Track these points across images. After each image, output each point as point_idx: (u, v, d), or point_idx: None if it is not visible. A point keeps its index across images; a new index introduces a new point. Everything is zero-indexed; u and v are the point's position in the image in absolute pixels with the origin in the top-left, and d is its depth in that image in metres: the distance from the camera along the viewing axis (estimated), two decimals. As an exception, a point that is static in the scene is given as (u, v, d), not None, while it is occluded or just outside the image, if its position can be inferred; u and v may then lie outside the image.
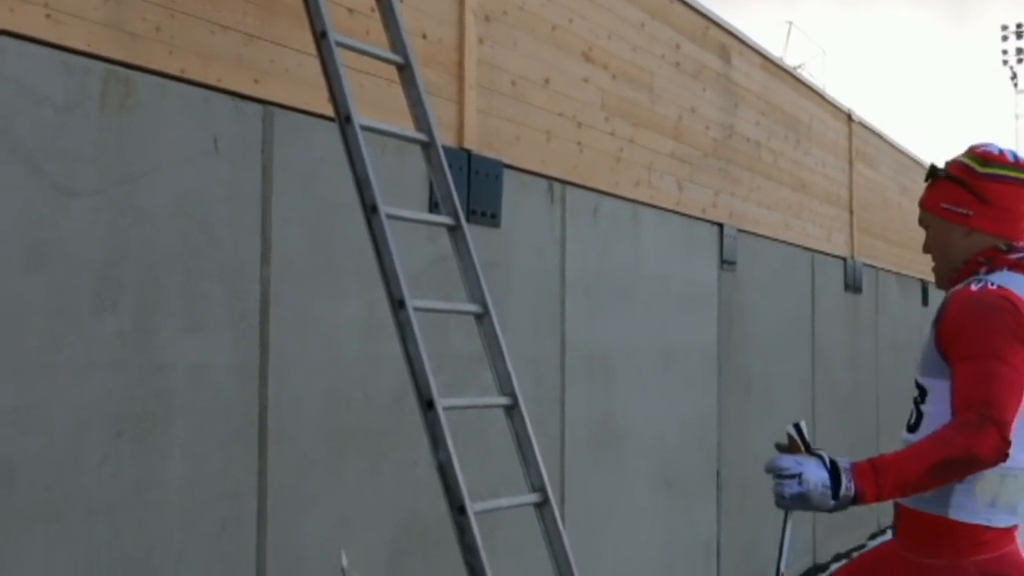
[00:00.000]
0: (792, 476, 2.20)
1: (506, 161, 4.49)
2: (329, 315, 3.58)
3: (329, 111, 3.56)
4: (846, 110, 8.80)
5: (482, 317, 3.14)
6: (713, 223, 6.36)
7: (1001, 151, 2.39)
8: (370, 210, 2.87)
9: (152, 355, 2.98)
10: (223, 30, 3.27)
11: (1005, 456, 2.15)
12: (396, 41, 3.28)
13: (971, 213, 2.37)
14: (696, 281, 6.15)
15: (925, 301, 10.62)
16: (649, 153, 5.71)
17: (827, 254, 8.15)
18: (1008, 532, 2.38)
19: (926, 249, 2.53)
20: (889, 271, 9.71)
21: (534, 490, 3.20)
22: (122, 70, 2.96)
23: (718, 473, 6.28)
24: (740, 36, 6.84)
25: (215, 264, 3.20)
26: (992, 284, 2.32)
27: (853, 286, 8.62)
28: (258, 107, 3.38)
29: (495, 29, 4.51)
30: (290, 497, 3.38)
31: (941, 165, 2.49)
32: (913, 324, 10.29)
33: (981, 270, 2.40)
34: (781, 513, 2.53)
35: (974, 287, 2.35)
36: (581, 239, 5.06)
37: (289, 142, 3.47)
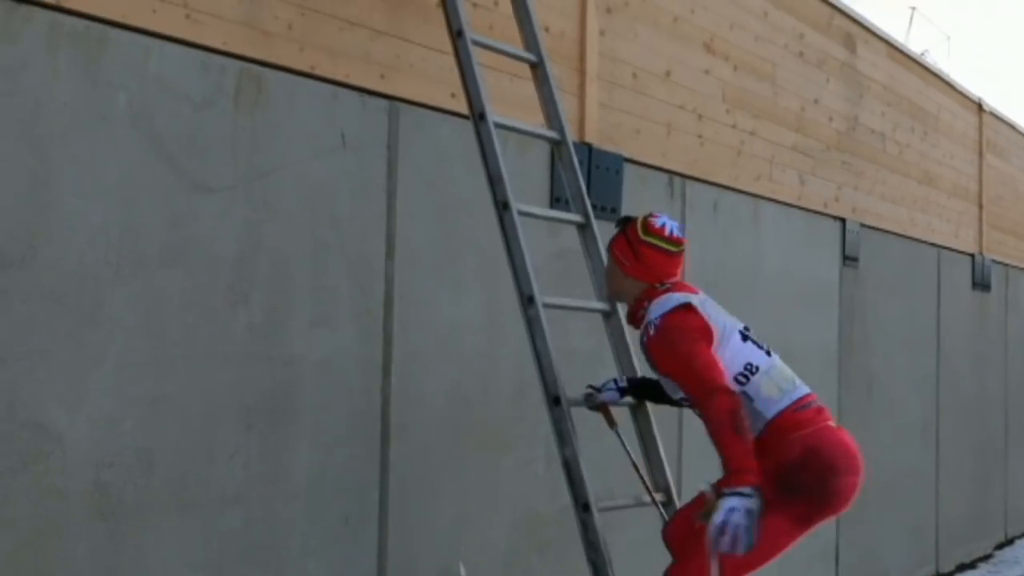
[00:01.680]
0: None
1: (626, 155, 4.44)
2: (451, 311, 3.59)
3: (453, 106, 3.57)
4: (976, 99, 8.44)
5: (610, 316, 3.11)
6: (835, 218, 6.18)
7: (663, 224, 3.09)
8: (501, 206, 2.86)
9: (281, 348, 3.03)
10: (351, 27, 3.30)
11: (734, 397, 2.86)
12: (529, 39, 3.27)
13: (627, 263, 3.08)
14: (817, 278, 5.99)
15: (1057, 300, 10.13)
16: (771, 146, 5.57)
17: (954, 250, 7.84)
18: (817, 409, 2.99)
19: (604, 274, 3.25)
20: (1020, 268, 9.29)
21: (658, 489, 3.16)
22: (255, 67, 3.02)
23: (837, 475, 6.10)
24: (866, 24, 6.61)
25: (341, 259, 3.23)
26: (656, 319, 2.99)
27: (981, 284, 8.27)
28: (384, 102, 3.40)
29: (616, 21, 4.46)
30: (411, 491, 3.41)
31: (631, 217, 3.20)
32: (1044, 324, 9.82)
33: (645, 305, 3.07)
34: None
35: (651, 331, 3.01)
36: (701, 234, 4.97)
37: (413, 137, 3.49)
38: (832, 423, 3.03)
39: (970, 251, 8.17)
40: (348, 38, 3.28)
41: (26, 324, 2.48)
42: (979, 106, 8.47)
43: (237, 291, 2.93)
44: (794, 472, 2.86)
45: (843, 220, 6.24)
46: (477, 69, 2.98)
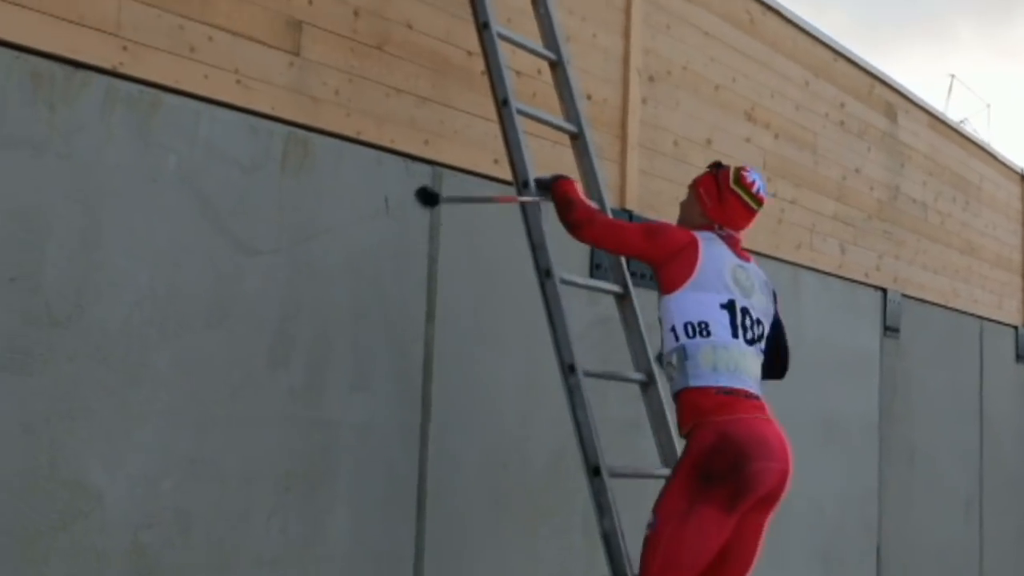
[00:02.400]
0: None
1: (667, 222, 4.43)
2: (490, 375, 3.58)
3: (495, 172, 3.60)
4: (1019, 170, 8.38)
5: (647, 386, 3.08)
6: (876, 288, 6.12)
7: (753, 180, 3.25)
8: (544, 274, 2.86)
9: (320, 411, 3.03)
10: (397, 93, 3.35)
11: (569, 227, 3.10)
12: (570, 110, 3.30)
13: (710, 204, 3.24)
14: (858, 348, 5.91)
15: (1104, 373, 9.92)
16: (811, 215, 5.55)
17: (998, 322, 7.72)
18: (744, 401, 2.97)
19: (681, 204, 3.40)
20: (1064, 340, 9.12)
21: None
22: (302, 132, 3.06)
23: (878, 550, 5.97)
24: (907, 94, 6.61)
25: (382, 322, 3.24)
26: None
27: (1025, 356, 8.13)
28: (427, 168, 3.43)
29: (658, 89, 4.49)
30: (447, 557, 3.36)
31: (724, 164, 3.35)
32: (1091, 398, 9.61)
33: None
34: None
35: None
36: (740, 302, 4.92)
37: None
38: (756, 416, 3.00)
39: (1014, 323, 8.05)
40: (394, 104, 3.33)
41: (71, 382, 2.50)
42: (1022, 176, 8.41)
43: (278, 353, 2.94)
44: (709, 458, 2.89)
45: (884, 290, 6.17)
46: (522, 137, 3.01)
